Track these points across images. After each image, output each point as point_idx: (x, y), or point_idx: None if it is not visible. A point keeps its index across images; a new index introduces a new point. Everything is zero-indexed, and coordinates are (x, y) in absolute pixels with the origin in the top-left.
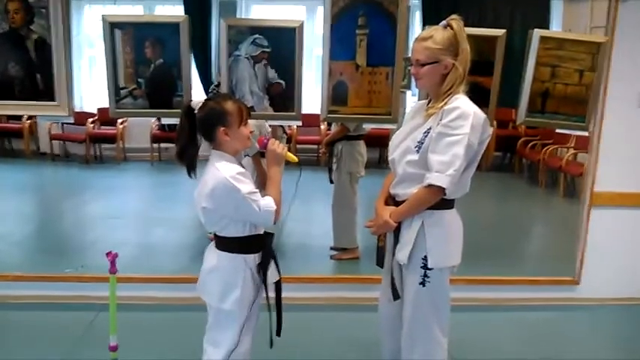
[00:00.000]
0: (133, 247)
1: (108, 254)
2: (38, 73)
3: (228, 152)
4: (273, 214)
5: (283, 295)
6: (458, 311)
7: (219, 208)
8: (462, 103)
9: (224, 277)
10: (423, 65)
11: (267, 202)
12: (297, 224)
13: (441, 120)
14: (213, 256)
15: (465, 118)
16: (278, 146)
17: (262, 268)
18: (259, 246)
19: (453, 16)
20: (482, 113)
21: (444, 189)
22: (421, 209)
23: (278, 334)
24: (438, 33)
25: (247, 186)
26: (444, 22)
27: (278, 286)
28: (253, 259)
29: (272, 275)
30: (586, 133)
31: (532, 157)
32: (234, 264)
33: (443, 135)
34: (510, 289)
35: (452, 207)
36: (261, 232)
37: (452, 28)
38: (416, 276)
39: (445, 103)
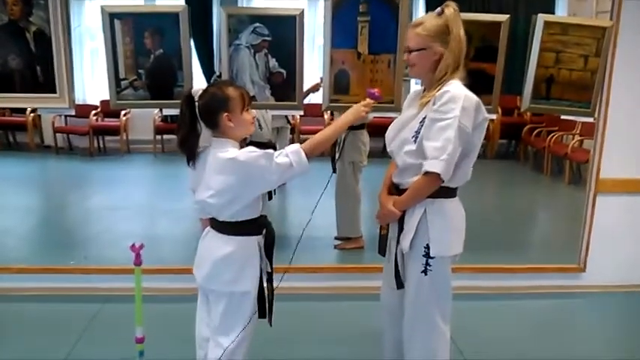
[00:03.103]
0: (138, 239)
1: (132, 247)
2: (38, 66)
3: (231, 138)
4: (300, 152)
5: (287, 284)
6: (463, 299)
7: (249, 186)
8: (452, 87)
9: (240, 261)
10: (413, 52)
11: (290, 148)
12: (301, 214)
13: (433, 106)
14: (224, 243)
15: (455, 102)
16: (367, 110)
17: (269, 248)
18: (263, 226)
19: (448, 3)
20: (475, 96)
21: (439, 174)
22: (422, 197)
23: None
24: (430, 20)
25: (261, 151)
26: (438, 9)
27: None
28: (260, 239)
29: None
30: (591, 120)
31: (537, 144)
32: (250, 246)
33: (434, 121)
34: (516, 277)
35: (454, 196)
36: (259, 215)
37: (445, 15)
38: (418, 264)
39: (438, 90)
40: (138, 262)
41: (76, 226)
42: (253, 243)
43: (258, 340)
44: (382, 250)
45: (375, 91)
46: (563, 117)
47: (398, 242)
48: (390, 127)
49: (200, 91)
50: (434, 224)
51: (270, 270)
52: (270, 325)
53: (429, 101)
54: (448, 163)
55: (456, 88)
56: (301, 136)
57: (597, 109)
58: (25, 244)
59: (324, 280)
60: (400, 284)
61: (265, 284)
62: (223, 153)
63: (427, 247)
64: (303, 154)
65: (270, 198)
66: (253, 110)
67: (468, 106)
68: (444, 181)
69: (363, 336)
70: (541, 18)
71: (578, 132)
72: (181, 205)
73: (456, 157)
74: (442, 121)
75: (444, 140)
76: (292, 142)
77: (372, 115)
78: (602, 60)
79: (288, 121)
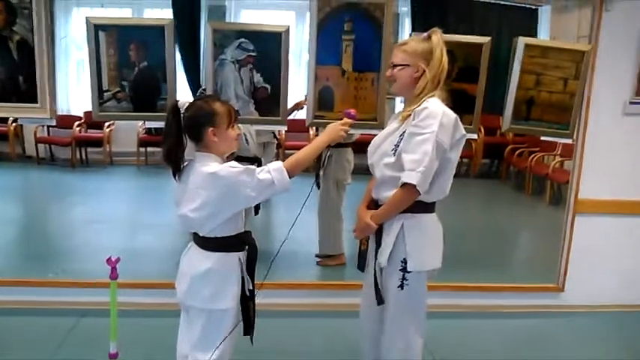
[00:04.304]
0: (118, 252)
1: (108, 260)
2: (20, 75)
3: (214, 154)
4: (282, 171)
5: (268, 301)
6: (442, 318)
7: (229, 201)
8: (431, 103)
9: (219, 277)
10: (396, 67)
11: (272, 165)
12: (284, 229)
13: (413, 121)
14: (204, 258)
15: (434, 117)
16: (345, 129)
17: (251, 264)
18: (245, 243)
19: (434, 29)
20: (453, 114)
21: (417, 187)
22: (399, 210)
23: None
24: (415, 41)
25: (242, 167)
26: (425, 34)
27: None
28: (242, 255)
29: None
30: (570, 141)
31: (519, 164)
32: (230, 262)
33: (413, 135)
34: (495, 295)
35: (432, 211)
36: (243, 231)
37: (431, 40)
38: (394, 279)
39: (418, 106)
40: (114, 275)
41: (57, 238)
42: (234, 259)
43: (238, 357)
44: (362, 266)
45: (352, 111)
46: (543, 138)
47: (376, 257)
48: (372, 141)
49: (187, 104)
50: (411, 239)
51: (251, 287)
52: (252, 344)
53: (409, 115)
54: (424, 175)
55: (435, 105)
56: (286, 151)
57: (576, 131)
58: (3, 256)
59: (305, 297)
60: (380, 300)
61: (246, 301)
62: (205, 167)
63: (404, 261)
64: (286, 173)
65: (256, 213)
66: (240, 126)
67: (446, 123)
68: (420, 194)
69: (344, 352)
70: (522, 41)
71: (559, 153)
72: (163, 219)
73: (433, 171)
74: (420, 135)
75: (422, 153)
76: (278, 157)
77: (358, 133)
78: (580, 83)
79: (275, 137)
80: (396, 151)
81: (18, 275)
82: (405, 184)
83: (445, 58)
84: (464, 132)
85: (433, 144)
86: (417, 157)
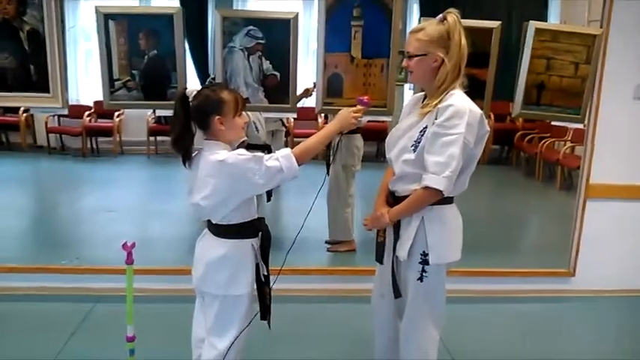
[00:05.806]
0: (130, 240)
1: (124, 245)
2: (32, 65)
3: (222, 141)
4: (291, 158)
5: (280, 286)
6: (454, 303)
7: (238, 189)
8: (456, 100)
9: (234, 264)
10: (412, 57)
11: (281, 152)
12: (295, 216)
13: (436, 119)
14: (218, 245)
15: (461, 117)
16: (357, 117)
17: (264, 250)
18: (258, 229)
19: (450, 10)
20: (478, 109)
21: (441, 191)
22: (419, 209)
23: (265, 317)
24: (431, 26)
25: (251, 154)
26: (440, 16)
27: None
28: (256, 242)
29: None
30: (581, 126)
31: (529, 150)
32: (243, 249)
33: (438, 135)
34: (506, 280)
35: (451, 202)
36: (256, 217)
37: (446, 22)
38: (414, 272)
39: (440, 101)
40: (130, 260)
41: (68, 227)
42: (247, 246)
43: (251, 342)
44: (380, 257)
45: (365, 98)
46: (554, 123)
47: (394, 250)
48: (389, 135)
49: (194, 92)
50: (432, 232)
51: (266, 273)
52: (269, 328)
53: (429, 111)
54: (450, 179)
55: (460, 102)
56: (295, 139)
57: (587, 116)
58: (16, 243)
59: (315, 282)
60: (398, 293)
61: (262, 287)
62: (214, 155)
63: (424, 254)
64: (294, 159)
65: (268, 199)
66: (249, 113)
67: (472, 122)
68: (444, 196)
69: (355, 338)
70: (532, 25)
71: (569, 138)
72: (174, 207)
73: (458, 171)
74: (446, 136)
75: (448, 157)
76: (286, 145)
77: (365, 119)
78: (592, 67)
79: (284, 124)
80: (416, 147)
81: (32, 262)
82: (428, 187)
83: (464, 42)
84: (488, 128)
85: (460, 146)
86: (443, 159)
